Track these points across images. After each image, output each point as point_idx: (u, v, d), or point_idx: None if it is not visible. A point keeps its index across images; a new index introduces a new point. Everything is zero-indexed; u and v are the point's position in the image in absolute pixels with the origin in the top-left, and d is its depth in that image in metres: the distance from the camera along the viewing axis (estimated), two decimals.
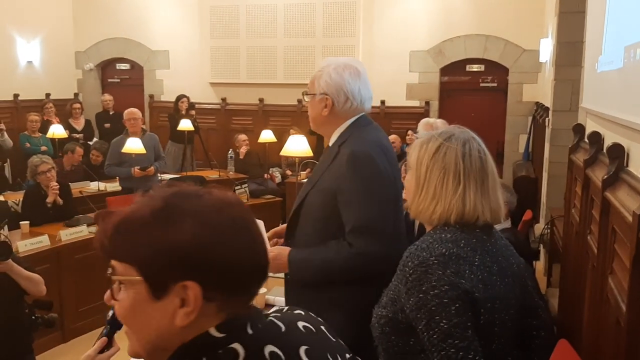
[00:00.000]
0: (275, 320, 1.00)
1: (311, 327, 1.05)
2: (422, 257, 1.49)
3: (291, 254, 2.11)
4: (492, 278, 1.52)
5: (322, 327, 1.09)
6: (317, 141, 7.16)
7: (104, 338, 1.83)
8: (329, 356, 1.03)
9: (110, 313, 1.83)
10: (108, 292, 0.96)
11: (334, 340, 1.09)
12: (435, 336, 1.43)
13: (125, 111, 6.28)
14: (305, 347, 0.98)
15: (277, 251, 2.15)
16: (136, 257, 0.89)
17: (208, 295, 0.88)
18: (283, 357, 0.93)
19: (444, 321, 1.42)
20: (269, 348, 0.93)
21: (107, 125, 9.06)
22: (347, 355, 1.09)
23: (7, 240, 2.89)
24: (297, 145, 5.67)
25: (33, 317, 2.90)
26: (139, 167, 5.99)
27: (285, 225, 2.30)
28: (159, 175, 6.42)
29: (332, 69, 2.12)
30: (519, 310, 1.62)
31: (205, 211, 0.90)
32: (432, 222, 1.60)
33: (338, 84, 2.11)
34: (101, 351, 1.83)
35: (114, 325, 1.84)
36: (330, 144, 2.20)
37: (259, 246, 0.95)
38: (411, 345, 1.51)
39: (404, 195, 1.88)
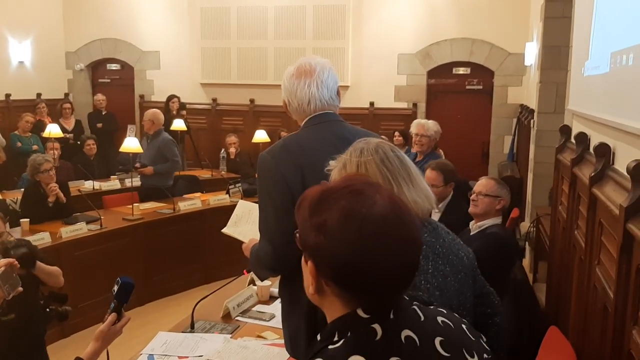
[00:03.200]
0: (418, 310, 1.09)
1: (450, 323, 1.12)
2: None
3: (254, 245, 2.16)
4: (447, 280, 1.58)
5: (463, 326, 1.15)
6: None
7: (114, 313, 1.96)
8: (464, 352, 1.08)
9: (116, 288, 1.97)
10: None
11: (473, 339, 1.14)
12: None
13: (147, 112, 6.48)
14: (441, 338, 1.06)
15: (249, 243, 2.25)
16: (299, 229, 1.07)
17: (321, 279, 1.03)
18: (418, 342, 1.02)
19: None
20: (405, 332, 1.02)
21: (99, 125, 9.10)
22: (486, 356, 1.13)
23: (28, 250, 2.98)
24: None
25: (48, 310, 2.98)
26: (136, 165, 6.11)
27: None
28: (166, 176, 6.50)
29: (292, 69, 2.09)
30: (473, 300, 1.71)
31: (334, 216, 1.01)
32: None
33: (287, 87, 2.09)
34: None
35: (121, 299, 1.98)
36: None
37: (381, 262, 0.99)
38: None
39: None
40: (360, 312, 1.02)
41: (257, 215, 2.18)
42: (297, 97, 2.05)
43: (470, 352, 1.09)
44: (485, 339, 1.18)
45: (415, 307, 1.09)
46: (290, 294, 2.04)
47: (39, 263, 2.95)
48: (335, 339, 1.02)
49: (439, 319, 1.11)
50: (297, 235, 1.07)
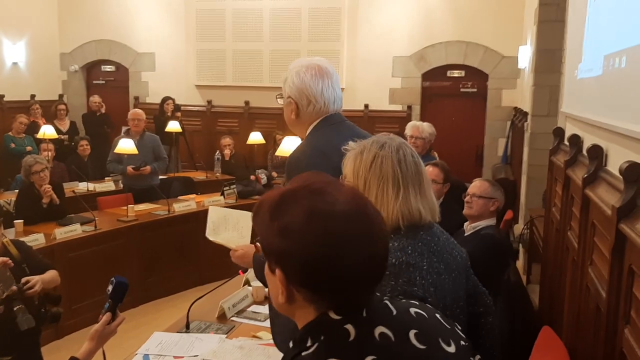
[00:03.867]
0: (389, 304, 1.08)
1: (424, 313, 1.11)
2: None
3: (255, 253, 2.10)
4: (441, 277, 1.58)
5: (437, 315, 1.14)
6: None
7: (108, 313, 1.97)
8: (440, 341, 1.07)
9: (110, 288, 1.97)
10: None
11: (448, 327, 1.12)
12: None
13: (130, 112, 6.56)
14: (415, 330, 1.04)
15: (245, 249, 2.19)
16: (259, 235, 1.06)
17: (291, 286, 1.01)
18: (392, 338, 1.01)
19: None
20: (379, 329, 1.01)
21: (107, 129, 9.10)
22: (463, 343, 1.11)
23: (58, 309, 3.05)
24: (293, 146, 5.80)
25: (42, 310, 2.98)
26: (132, 167, 6.11)
27: None
28: (159, 175, 6.58)
29: (295, 72, 2.07)
30: (466, 299, 1.72)
31: (297, 216, 0.99)
32: None
33: (299, 87, 2.05)
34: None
35: (115, 299, 1.99)
36: None
37: (346, 258, 0.98)
38: None
39: None
40: (331, 314, 1.01)
41: (234, 221, 2.17)
42: (324, 97, 2.05)
43: (447, 341, 1.08)
44: (460, 328, 1.17)
45: (386, 301, 1.09)
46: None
47: (40, 278, 2.96)
48: (309, 344, 1.00)
49: (412, 310, 1.10)
50: (257, 243, 1.06)
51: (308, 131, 2.09)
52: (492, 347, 1.83)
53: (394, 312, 1.06)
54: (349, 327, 0.99)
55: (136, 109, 6.63)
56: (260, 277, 2.11)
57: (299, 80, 2.04)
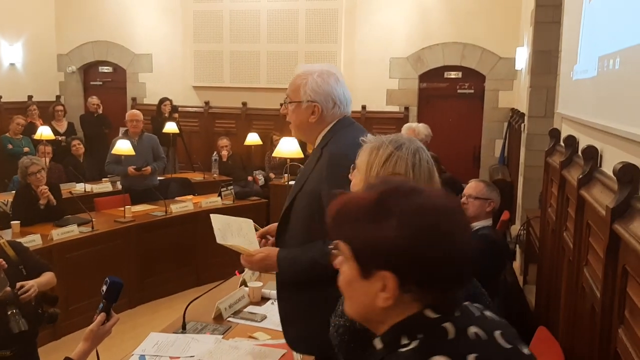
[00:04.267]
0: (468, 305, 1.10)
1: (495, 317, 1.13)
2: None
3: (280, 254, 2.14)
4: None
5: (503, 320, 1.16)
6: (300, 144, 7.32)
7: (103, 313, 1.97)
8: (518, 343, 1.09)
9: (104, 288, 1.98)
10: (339, 259, 1.09)
11: (514, 330, 1.14)
12: None
13: (128, 112, 6.55)
14: (499, 331, 1.07)
15: (266, 252, 2.18)
16: (349, 240, 1.03)
17: (404, 287, 0.99)
18: (484, 337, 1.03)
19: None
20: (472, 328, 1.02)
21: (106, 131, 9.10)
22: (526, 351, 1.11)
23: (55, 310, 3.04)
24: (289, 147, 5.82)
25: (39, 311, 2.99)
26: (134, 167, 6.11)
27: (274, 224, 2.34)
28: (157, 175, 6.59)
29: (317, 76, 2.14)
30: (466, 299, 1.73)
31: (410, 214, 0.99)
32: None
33: (326, 91, 2.14)
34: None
35: (110, 299, 1.99)
36: (314, 148, 2.23)
37: (457, 253, 1.00)
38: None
39: None
40: (428, 313, 1.01)
41: (237, 227, 2.20)
42: (346, 98, 2.18)
43: (521, 344, 1.10)
44: None
45: (466, 304, 1.10)
46: (311, 298, 2.04)
47: (36, 282, 2.96)
48: (404, 342, 1.01)
49: (486, 313, 1.12)
50: (351, 251, 1.03)
51: (324, 133, 2.17)
52: None
53: (477, 313, 1.09)
54: (448, 325, 1.01)
55: (133, 110, 6.64)
56: (291, 277, 2.13)
57: (325, 83, 2.13)
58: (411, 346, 0.99)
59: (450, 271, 1.00)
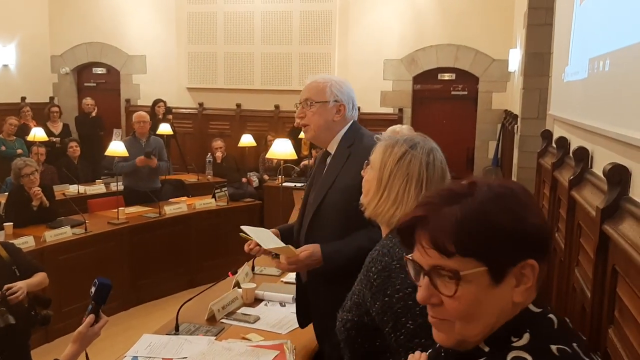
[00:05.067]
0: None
1: None
2: (384, 262, 1.54)
3: (324, 248, 2.22)
4: None
5: None
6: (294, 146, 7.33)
7: (92, 315, 1.97)
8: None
9: (93, 290, 1.97)
10: (424, 293, 1.00)
11: None
12: (402, 337, 1.47)
13: (135, 114, 6.58)
14: (567, 318, 1.07)
15: (310, 249, 2.22)
16: (482, 249, 0.96)
17: (542, 267, 0.98)
18: (568, 325, 1.04)
19: (410, 322, 1.46)
20: (556, 319, 1.02)
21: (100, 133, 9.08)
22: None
23: (48, 312, 3.04)
24: (282, 148, 5.83)
25: (32, 313, 2.98)
26: (144, 154, 6.11)
27: (273, 230, 2.45)
28: (159, 177, 6.60)
29: (336, 80, 2.37)
30: None
31: (533, 207, 1.00)
32: (390, 224, 1.65)
33: (347, 93, 2.36)
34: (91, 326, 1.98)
35: (99, 300, 1.99)
36: (331, 149, 2.38)
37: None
38: (377, 347, 1.58)
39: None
40: (532, 307, 1.01)
41: (265, 235, 2.28)
42: (354, 104, 2.39)
43: None
44: None
45: None
46: (346, 290, 2.03)
47: (27, 283, 2.96)
48: (514, 339, 0.98)
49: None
50: (480, 261, 0.96)
51: (342, 133, 2.36)
52: None
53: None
54: (552, 316, 1.01)
55: (141, 112, 6.67)
56: (339, 267, 2.16)
57: (345, 86, 2.37)
58: (522, 342, 0.97)
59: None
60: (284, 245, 2.24)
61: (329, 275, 2.22)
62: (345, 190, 2.22)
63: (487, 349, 1.00)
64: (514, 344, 0.97)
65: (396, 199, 1.61)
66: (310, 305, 2.42)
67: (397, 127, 5.03)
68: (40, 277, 3.11)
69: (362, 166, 2.12)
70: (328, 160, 2.40)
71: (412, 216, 1.02)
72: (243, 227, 2.37)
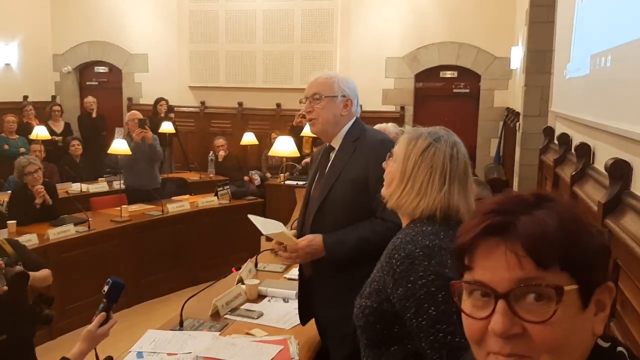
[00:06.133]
0: None
1: None
2: (408, 250, 1.56)
3: (326, 237, 2.27)
4: None
5: None
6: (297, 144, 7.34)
7: (103, 313, 1.99)
8: None
9: (106, 288, 1.99)
10: (502, 321, 0.78)
11: None
12: (424, 322, 1.50)
13: (128, 113, 6.61)
14: None
15: (310, 237, 2.28)
16: (581, 261, 0.79)
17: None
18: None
19: (432, 308, 1.49)
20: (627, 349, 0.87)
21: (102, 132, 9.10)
22: None
23: (50, 312, 3.03)
24: (284, 146, 5.84)
25: (36, 310, 2.99)
26: (137, 126, 6.14)
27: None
28: (159, 176, 6.64)
29: (342, 76, 2.44)
30: None
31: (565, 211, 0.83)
32: (413, 215, 1.67)
33: (353, 89, 2.42)
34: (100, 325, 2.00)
35: (111, 299, 2.01)
36: (336, 143, 2.43)
37: None
38: (395, 333, 1.60)
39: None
40: (601, 342, 0.84)
41: (272, 225, 2.34)
42: (358, 100, 2.44)
43: None
44: None
45: None
46: (353, 278, 2.04)
47: (32, 275, 2.96)
48: None
49: None
50: (572, 279, 0.78)
51: (347, 128, 2.40)
52: None
53: None
54: (622, 349, 0.84)
55: (133, 111, 6.68)
56: (341, 257, 2.22)
57: (352, 83, 2.43)
58: None
59: None
60: (280, 230, 2.29)
61: (333, 265, 2.27)
62: (351, 183, 2.28)
63: None
64: None
65: (420, 190, 1.63)
66: (312, 299, 2.45)
67: (382, 125, 5.03)
68: (45, 273, 3.12)
69: (367, 160, 2.16)
70: (332, 154, 2.43)
71: (488, 224, 0.82)
72: (250, 216, 2.44)
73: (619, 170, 1.86)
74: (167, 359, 2.38)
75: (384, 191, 1.76)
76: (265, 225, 2.40)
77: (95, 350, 2.06)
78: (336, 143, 2.43)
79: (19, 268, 2.83)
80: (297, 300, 2.96)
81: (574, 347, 0.80)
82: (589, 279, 0.79)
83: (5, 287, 2.44)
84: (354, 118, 2.43)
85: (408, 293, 1.53)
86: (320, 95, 2.38)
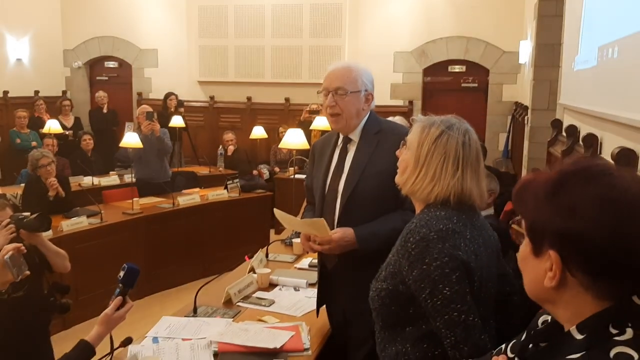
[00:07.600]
0: None
1: None
2: (422, 233, 1.61)
3: (358, 230, 2.26)
4: (480, 249, 1.68)
5: None
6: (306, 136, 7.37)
7: (119, 297, 2.04)
8: None
9: (122, 274, 2.04)
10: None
11: None
12: (439, 302, 1.56)
13: (139, 107, 6.72)
14: None
15: (341, 232, 2.27)
16: (525, 216, 1.05)
17: (569, 271, 0.97)
18: None
19: (447, 289, 1.56)
20: None
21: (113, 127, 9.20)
22: None
23: (67, 301, 3.05)
24: (295, 139, 5.87)
25: (52, 299, 3.03)
26: (145, 119, 6.22)
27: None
28: (169, 170, 6.70)
29: (363, 69, 2.40)
30: (497, 277, 1.80)
31: (586, 199, 0.96)
32: (427, 200, 1.72)
33: (372, 81, 2.42)
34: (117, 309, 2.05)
35: (127, 284, 2.06)
36: (355, 137, 2.40)
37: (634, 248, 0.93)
38: (410, 314, 1.66)
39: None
40: (637, 300, 0.95)
41: (299, 223, 2.39)
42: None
43: None
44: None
45: None
46: (363, 278, 2.06)
47: (46, 241, 3.01)
48: (614, 331, 0.95)
49: None
50: (526, 225, 1.04)
51: (364, 121, 2.39)
52: (515, 324, 1.91)
53: None
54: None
55: (144, 105, 6.78)
56: (373, 249, 2.19)
57: (371, 76, 2.42)
58: (627, 336, 0.93)
59: (625, 265, 0.93)
60: (320, 219, 2.27)
61: (360, 259, 2.25)
62: (378, 176, 2.28)
63: (580, 337, 0.98)
64: (616, 338, 0.93)
65: (434, 176, 1.68)
66: (333, 292, 2.46)
67: (389, 119, 5.07)
68: (61, 250, 3.14)
69: (393, 152, 2.17)
70: (350, 147, 2.41)
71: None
72: (275, 211, 2.47)
73: (625, 158, 1.89)
74: (182, 344, 2.43)
75: (397, 178, 1.80)
76: (288, 220, 2.41)
77: (111, 335, 2.10)
78: (355, 136, 2.39)
79: (65, 301, 2.91)
80: (308, 289, 3.01)
81: (527, 276, 1.08)
82: (534, 237, 1.03)
83: (28, 272, 2.49)
84: (369, 112, 2.42)
85: (423, 274, 1.59)
86: (346, 90, 2.34)
